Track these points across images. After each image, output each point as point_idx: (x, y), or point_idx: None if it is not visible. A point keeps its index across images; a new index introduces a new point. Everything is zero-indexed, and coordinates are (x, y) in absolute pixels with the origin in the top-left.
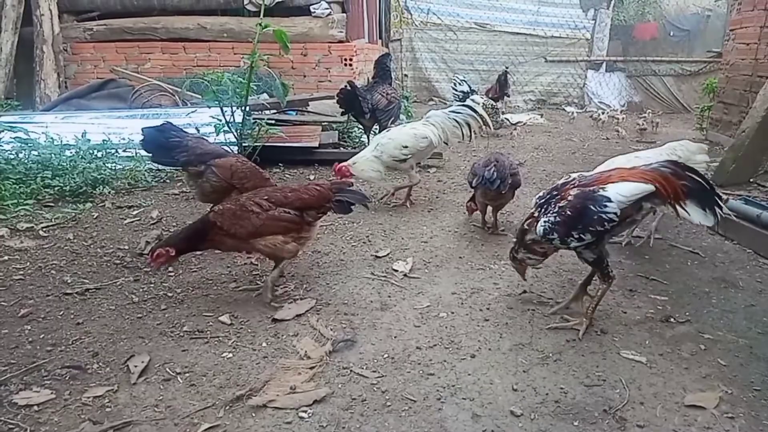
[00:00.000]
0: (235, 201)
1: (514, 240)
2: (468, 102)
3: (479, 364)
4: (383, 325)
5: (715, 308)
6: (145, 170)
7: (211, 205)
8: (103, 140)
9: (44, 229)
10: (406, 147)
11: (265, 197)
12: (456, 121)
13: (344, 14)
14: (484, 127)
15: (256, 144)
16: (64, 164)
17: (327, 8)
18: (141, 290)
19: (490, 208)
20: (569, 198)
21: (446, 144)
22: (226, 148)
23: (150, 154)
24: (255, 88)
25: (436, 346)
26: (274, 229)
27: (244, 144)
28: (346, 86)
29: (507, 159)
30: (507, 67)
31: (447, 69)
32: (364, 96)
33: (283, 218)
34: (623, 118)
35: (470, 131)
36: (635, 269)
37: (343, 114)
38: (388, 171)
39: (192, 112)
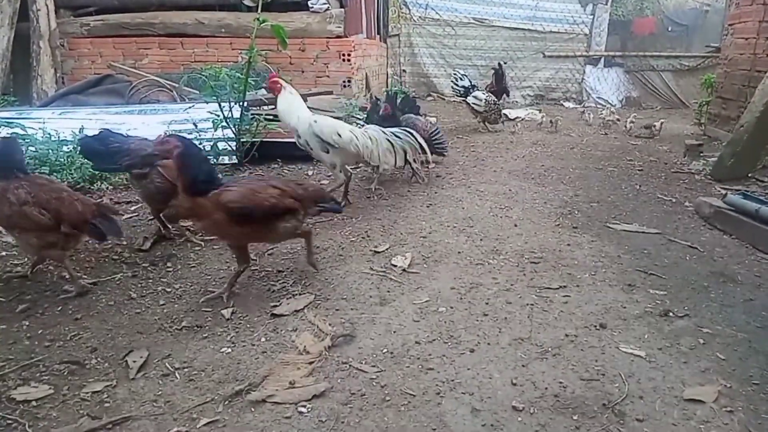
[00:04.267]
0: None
1: None
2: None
3: (478, 358)
4: (382, 320)
5: (713, 302)
6: None
7: (156, 207)
8: None
9: None
10: (340, 136)
11: (26, 190)
12: (390, 143)
13: (342, 9)
14: (421, 158)
15: (254, 140)
16: (62, 160)
17: (325, 3)
18: (139, 286)
19: None
20: None
21: (373, 162)
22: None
23: (92, 163)
24: (253, 83)
25: (435, 340)
26: (23, 225)
27: (242, 140)
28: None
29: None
30: (503, 62)
31: (445, 64)
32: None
33: (33, 217)
34: (618, 119)
35: (405, 159)
36: (634, 264)
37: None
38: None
39: (190, 107)
